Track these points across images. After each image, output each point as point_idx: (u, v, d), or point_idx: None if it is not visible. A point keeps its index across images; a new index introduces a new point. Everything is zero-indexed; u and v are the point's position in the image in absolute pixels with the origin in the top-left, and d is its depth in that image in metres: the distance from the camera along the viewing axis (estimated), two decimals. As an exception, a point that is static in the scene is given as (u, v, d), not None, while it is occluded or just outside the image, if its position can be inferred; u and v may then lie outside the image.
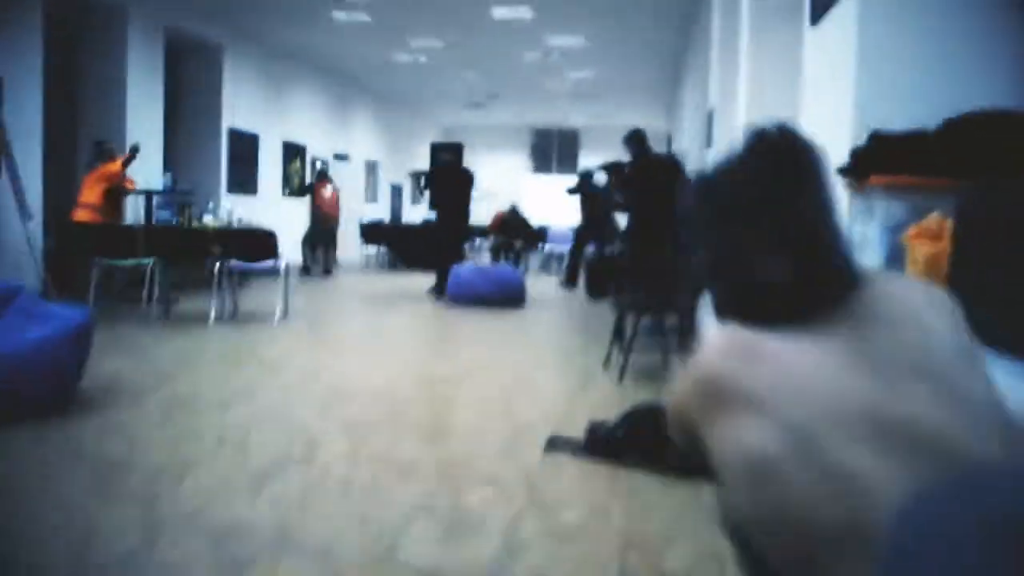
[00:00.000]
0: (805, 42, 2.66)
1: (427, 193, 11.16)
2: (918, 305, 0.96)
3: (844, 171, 1.92)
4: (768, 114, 3.93)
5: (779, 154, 1.03)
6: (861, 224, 1.88)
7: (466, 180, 10.48)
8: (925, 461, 0.84)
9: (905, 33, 2.01)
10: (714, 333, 1.04)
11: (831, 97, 2.30)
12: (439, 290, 10.02)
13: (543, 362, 5.86)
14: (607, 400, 4.49)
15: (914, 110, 1.93)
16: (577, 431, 3.64)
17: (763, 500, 0.91)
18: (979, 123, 1.76)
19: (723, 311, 1.10)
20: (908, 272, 1.54)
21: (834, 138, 2.20)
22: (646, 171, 7.53)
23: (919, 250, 1.48)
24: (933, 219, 1.49)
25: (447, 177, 10.44)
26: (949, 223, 1.46)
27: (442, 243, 10.33)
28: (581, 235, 11.95)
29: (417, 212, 19.36)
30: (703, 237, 1.12)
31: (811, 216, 1.00)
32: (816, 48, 2.51)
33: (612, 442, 3.33)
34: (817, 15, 2.45)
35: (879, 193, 1.79)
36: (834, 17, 2.28)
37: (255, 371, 5.06)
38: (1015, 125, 1.73)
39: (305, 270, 12.55)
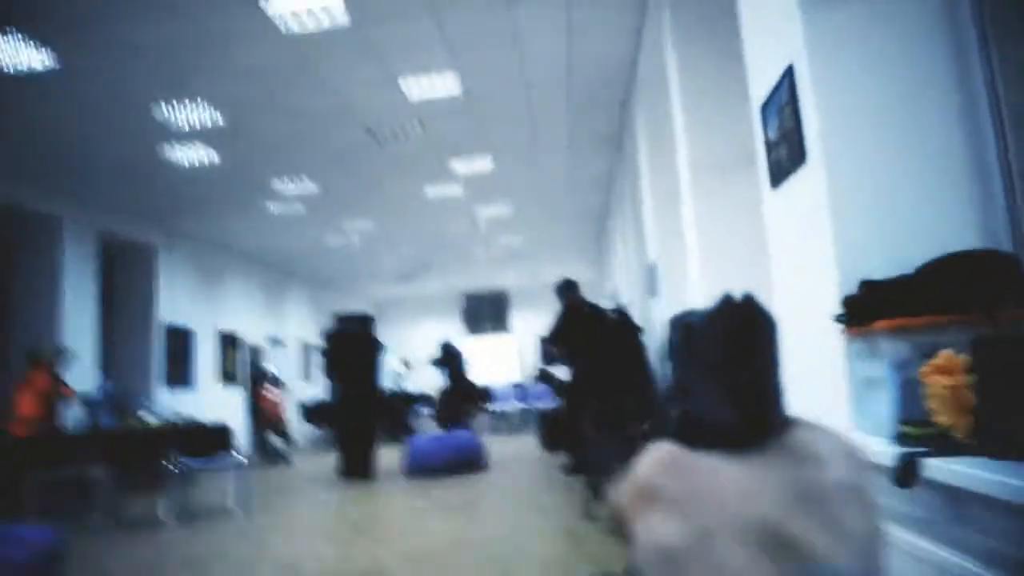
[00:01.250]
0: (766, 202, 2.96)
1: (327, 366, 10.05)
2: (825, 450, 1.21)
3: (843, 319, 2.14)
4: (725, 265, 4.28)
5: (741, 321, 1.26)
6: (867, 364, 2.08)
7: (373, 350, 9.74)
8: (792, 565, 1.09)
9: (871, 190, 2.30)
10: (655, 447, 1.27)
11: (806, 251, 2.57)
12: (352, 471, 9.15)
13: (527, 526, 5.75)
14: (605, 553, 4.45)
15: (890, 257, 2.19)
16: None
17: None
18: (953, 264, 2.03)
19: (675, 431, 1.32)
20: (929, 405, 1.72)
21: (815, 288, 2.44)
22: (575, 321, 7.46)
23: (937, 384, 1.67)
24: (944, 356, 1.69)
25: (349, 346, 9.69)
26: (962, 358, 1.66)
27: (348, 419, 9.42)
28: (451, 396, 12.60)
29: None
30: (673, 371, 1.34)
31: (760, 375, 1.24)
32: (781, 207, 2.81)
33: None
34: (778, 179, 2.77)
35: (883, 335, 2.00)
36: (798, 179, 2.58)
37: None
38: (990, 264, 2.00)
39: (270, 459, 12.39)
